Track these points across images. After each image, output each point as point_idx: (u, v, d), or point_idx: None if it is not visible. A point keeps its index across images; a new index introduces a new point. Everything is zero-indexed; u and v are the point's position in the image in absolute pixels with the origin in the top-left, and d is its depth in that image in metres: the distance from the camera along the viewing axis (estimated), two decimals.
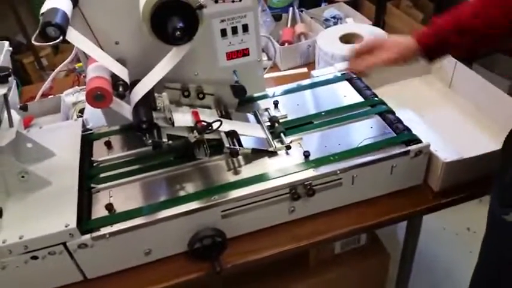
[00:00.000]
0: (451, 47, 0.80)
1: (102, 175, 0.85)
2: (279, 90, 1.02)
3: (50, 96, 1.24)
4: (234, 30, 0.83)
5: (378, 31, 1.27)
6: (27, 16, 2.37)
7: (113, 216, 0.76)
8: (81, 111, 1.13)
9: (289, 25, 1.43)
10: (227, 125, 0.83)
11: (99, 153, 0.90)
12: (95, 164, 0.87)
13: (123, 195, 0.80)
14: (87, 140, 0.92)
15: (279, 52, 1.30)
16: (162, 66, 0.74)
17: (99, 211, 0.77)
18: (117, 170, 0.85)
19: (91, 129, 0.96)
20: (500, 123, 0.97)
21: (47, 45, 0.59)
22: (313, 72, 1.07)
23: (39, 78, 2.37)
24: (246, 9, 0.81)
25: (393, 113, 0.91)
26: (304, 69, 1.32)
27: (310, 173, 0.79)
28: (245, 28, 0.84)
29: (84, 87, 1.22)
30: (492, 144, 0.88)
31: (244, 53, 0.87)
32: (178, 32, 0.64)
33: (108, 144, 0.91)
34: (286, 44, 1.34)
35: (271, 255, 0.81)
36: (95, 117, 1.01)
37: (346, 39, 1.24)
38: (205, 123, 0.77)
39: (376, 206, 0.86)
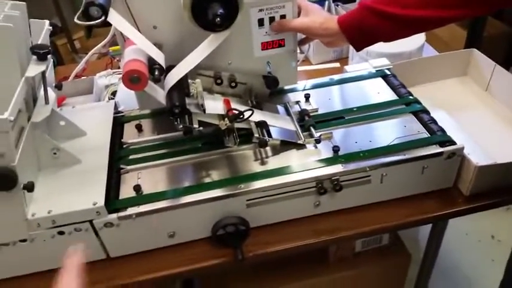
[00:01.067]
0: (372, 31, 0.76)
1: (131, 157, 0.86)
2: (311, 84, 1.01)
3: (82, 77, 1.26)
4: (272, 21, 0.82)
5: None
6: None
7: (140, 197, 0.77)
8: (113, 93, 1.15)
9: None
10: (258, 115, 0.83)
11: (130, 135, 0.91)
12: (125, 146, 0.88)
13: (151, 178, 0.81)
14: (119, 122, 0.94)
15: (312, 46, 1.29)
16: (198, 53, 0.74)
17: (126, 192, 0.78)
18: (146, 153, 0.86)
19: (122, 112, 0.98)
20: None
21: (87, 25, 0.59)
22: (346, 67, 1.06)
23: (72, 61, 2.42)
24: None
25: (428, 112, 0.89)
26: (337, 64, 1.30)
27: (339, 168, 0.78)
28: (283, 18, 0.83)
29: (117, 70, 1.26)
30: None
31: (280, 43, 0.86)
32: (218, 19, 0.64)
33: (139, 128, 0.92)
34: None
35: (292, 248, 0.80)
36: (126, 100, 1.02)
37: None
38: (236, 112, 0.77)
39: (403, 206, 0.84)
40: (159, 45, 0.80)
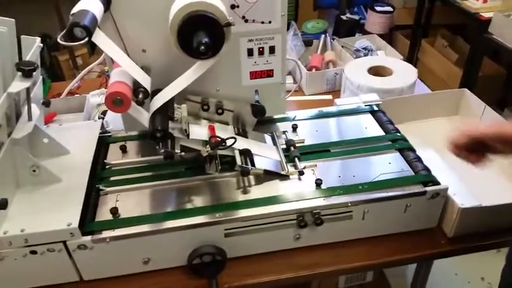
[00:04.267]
0: None
1: (112, 178, 0.85)
2: (300, 115, 1.01)
3: (75, 95, 1.27)
4: (261, 51, 0.83)
5: (409, 67, 1.25)
6: (68, 15, 2.44)
7: (117, 220, 0.76)
8: (104, 113, 1.15)
9: (319, 52, 1.43)
10: (242, 143, 0.82)
11: (114, 156, 0.90)
12: (107, 166, 0.88)
13: (130, 201, 0.80)
14: (104, 142, 0.93)
15: (306, 77, 1.30)
16: (184, 78, 0.74)
17: (103, 214, 0.77)
18: (128, 175, 0.85)
19: (109, 132, 0.97)
20: None
21: (73, 45, 0.59)
22: (336, 101, 1.06)
23: (72, 77, 2.43)
24: (275, 31, 0.81)
25: (414, 150, 0.89)
26: (329, 96, 1.31)
27: (320, 201, 0.77)
28: (272, 50, 0.83)
29: None
30: None
31: (268, 74, 0.86)
32: (202, 47, 0.65)
33: (123, 149, 0.91)
34: (314, 70, 1.34)
35: (269, 282, 0.78)
36: (115, 120, 1.02)
37: (375, 71, 1.23)
38: (219, 139, 0.76)
39: (385, 244, 0.83)
40: (147, 69, 0.80)
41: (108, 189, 0.82)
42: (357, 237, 0.83)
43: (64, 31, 0.59)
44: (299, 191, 0.80)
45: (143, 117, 0.78)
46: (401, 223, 0.83)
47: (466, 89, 1.15)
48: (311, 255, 0.81)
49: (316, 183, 0.80)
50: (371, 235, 0.84)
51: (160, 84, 0.79)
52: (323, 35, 1.45)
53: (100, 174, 0.85)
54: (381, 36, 1.57)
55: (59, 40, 0.58)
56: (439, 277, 1.49)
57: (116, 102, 0.69)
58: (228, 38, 0.67)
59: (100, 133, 0.94)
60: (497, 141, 0.64)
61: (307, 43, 1.44)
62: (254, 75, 0.86)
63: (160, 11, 0.73)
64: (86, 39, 0.59)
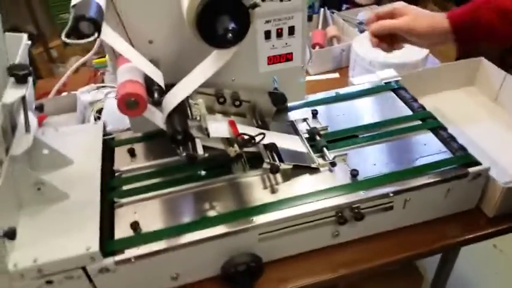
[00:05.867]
0: (487, 30, 0.71)
1: (125, 187, 0.76)
2: (316, 99, 0.93)
3: (64, 94, 1.16)
4: (279, 33, 0.75)
5: None
6: (39, 6, 2.29)
7: (139, 236, 0.68)
8: (100, 111, 1.05)
9: (320, 27, 1.34)
10: (266, 137, 0.75)
11: (122, 162, 0.81)
12: (116, 174, 0.79)
13: (149, 212, 0.72)
14: (108, 147, 0.84)
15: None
16: (202, 71, 0.66)
17: (122, 230, 0.69)
18: (142, 182, 0.77)
19: (111, 134, 0.88)
20: None
21: (78, 43, 0.50)
22: (353, 80, 0.99)
23: (49, 72, 2.29)
24: (295, 9, 0.72)
25: (445, 128, 0.83)
26: (336, 75, 1.24)
27: (360, 195, 0.71)
28: (291, 30, 0.75)
29: (103, 85, 1.16)
30: None
31: (287, 57, 0.78)
32: (230, 34, 0.56)
33: (132, 152, 0.82)
34: (318, 47, 1.26)
35: (310, 285, 0.72)
36: (115, 119, 0.93)
37: None
38: (246, 136, 0.68)
39: (426, 231, 0.77)
40: (155, 62, 0.71)
41: (122, 200, 0.73)
42: (396, 227, 0.78)
43: (68, 27, 0.49)
44: (333, 185, 0.73)
45: (157, 118, 0.69)
46: (442, 207, 0.78)
47: (483, 58, 1.09)
48: (350, 251, 0.75)
49: (352, 174, 0.74)
50: (410, 223, 0.78)
51: (171, 77, 0.70)
52: (322, 10, 1.37)
53: (110, 183, 0.76)
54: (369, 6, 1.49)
55: (64, 39, 0.48)
56: None
57: (130, 104, 0.61)
58: (252, 20, 0.59)
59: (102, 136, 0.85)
60: (409, 35, 0.77)
61: (307, 18, 1.34)
62: (272, 60, 0.78)
63: None
64: (96, 35, 0.50)
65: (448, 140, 0.80)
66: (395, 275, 1.05)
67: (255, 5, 0.56)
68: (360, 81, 0.97)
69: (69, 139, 0.82)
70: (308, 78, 1.24)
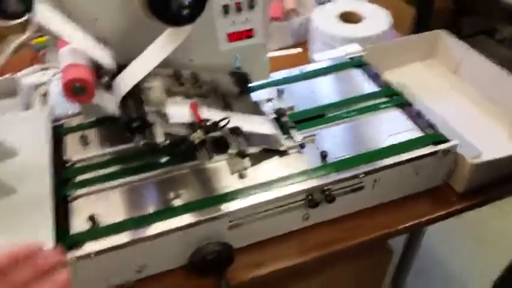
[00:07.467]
0: None
1: (78, 178, 0.70)
2: (279, 77, 0.89)
3: (3, 77, 1.05)
4: (238, 7, 0.69)
5: (380, 11, 1.16)
6: None
7: (97, 230, 0.63)
8: (45, 95, 0.96)
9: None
10: (232, 120, 0.70)
11: (73, 150, 0.75)
12: (67, 165, 0.72)
13: (107, 204, 0.67)
14: (57, 135, 0.77)
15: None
16: (155, 52, 0.60)
17: (78, 224, 0.64)
18: (98, 172, 0.71)
19: (59, 120, 0.81)
20: None
21: (5, 25, 0.43)
22: (315, 56, 0.95)
23: None
24: None
25: (411, 105, 0.81)
26: (299, 50, 1.20)
27: (331, 177, 0.68)
28: (251, 4, 0.70)
29: (45, 66, 1.06)
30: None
31: (248, 34, 0.73)
32: (186, 10, 0.50)
33: (84, 140, 0.76)
34: (275, 21, 1.21)
35: (284, 268, 0.70)
36: (63, 103, 0.85)
37: (346, 18, 1.13)
38: (210, 121, 0.64)
39: (396, 211, 0.76)
40: (102, 40, 0.64)
41: (77, 192, 0.67)
42: (366, 207, 0.76)
43: None
44: (304, 168, 0.70)
45: (109, 103, 0.63)
46: (411, 185, 0.77)
47: (443, 30, 1.08)
48: (324, 232, 0.73)
49: (322, 155, 0.71)
50: (380, 202, 0.77)
51: (121, 58, 0.64)
52: None
53: (62, 175, 0.70)
54: None
55: None
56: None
57: (76, 90, 0.54)
58: None
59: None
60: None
61: None
62: (232, 37, 0.72)
63: None
64: (26, 15, 0.43)
65: (415, 117, 0.79)
66: (363, 251, 1.05)
67: None
68: (321, 57, 0.94)
69: (12, 127, 0.75)
70: (270, 54, 1.19)
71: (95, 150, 0.75)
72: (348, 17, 1.14)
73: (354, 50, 0.95)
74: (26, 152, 0.71)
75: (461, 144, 0.76)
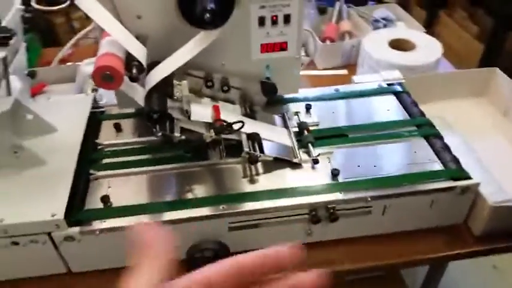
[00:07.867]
0: None
1: (104, 161, 0.76)
2: (313, 94, 0.91)
3: (68, 63, 1.17)
4: (274, 20, 0.72)
5: (433, 42, 1.14)
6: None
7: (108, 210, 0.68)
8: None
9: (333, 21, 1.30)
10: (250, 126, 0.73)
11: (106, 136, 0.81)
12: (99, 148, 0.79)
13: (124, 188, 0.72)
14: (96, 120, 0.84)
15: (319, 49, 1.18)
16: (185, 51, 0.64)
17: (94, 202, 0.69)
18: (122, 158, 0.76)
19: (103, 107, 0.88)
20: None
21: (52, 10, 0.49)
22: (354, 78, 0.96)
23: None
24: None
25: (441, 138, 0.79)
26: (344, 71, 1.20)
27: (337, 195, 0.69)
28: (287, 19, 0.73)
29: None
30: None
31: (282, 47, 0.76)
32: (208, 15, 0.54)
33: (118, 127, 0.82)
34: (328, 41, 1.22)
35: None
36: (111, 94, 0.93)
37: (396, 44, 1.12)
38: (224, 123, 0.67)
39: (405, 242, 0.74)
40: (143, 38, 0.70)
41: (99, 173, 0.73)
42: (374, 233, 0.75)
43: None
44: (313, 183, 0.71)
45: (138, 94, 0.69)
46: (425, 219, 0.75)
47: (497, 68, 1.04)
48: (323, 251, 0.73)
49: (332, 173, 0.71)
50: (390, 231, 0.75)
51: (158, 56, 0.69)
52: (338, 2, 1.33)
53: (90, 156, 0.76)
54: (399, 5, 1.44)
55: (33, 4, 0.47)
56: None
57: (105, 77, 0.60)
58: (238, 5, 0.57)
59: (92, 108, 0.85)
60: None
61: (321, 10, 1.31)
62: (266, 48, 0.76)
63: None
64: (68, 1, 0.49)
65: (440, 149, 0.77)
66: (377, 282, 1.03)
67: None
68: (361, 79, 0.94)
69: (58, 108, 0.83)
70: (315, 72, 1.21)
71: (125, 138, 0.80)
72: (400, 44, 1.13)
73: (393, 76, 0.94)
74: (63, 130, 0.78)
75: (488, 186, 0.73)
